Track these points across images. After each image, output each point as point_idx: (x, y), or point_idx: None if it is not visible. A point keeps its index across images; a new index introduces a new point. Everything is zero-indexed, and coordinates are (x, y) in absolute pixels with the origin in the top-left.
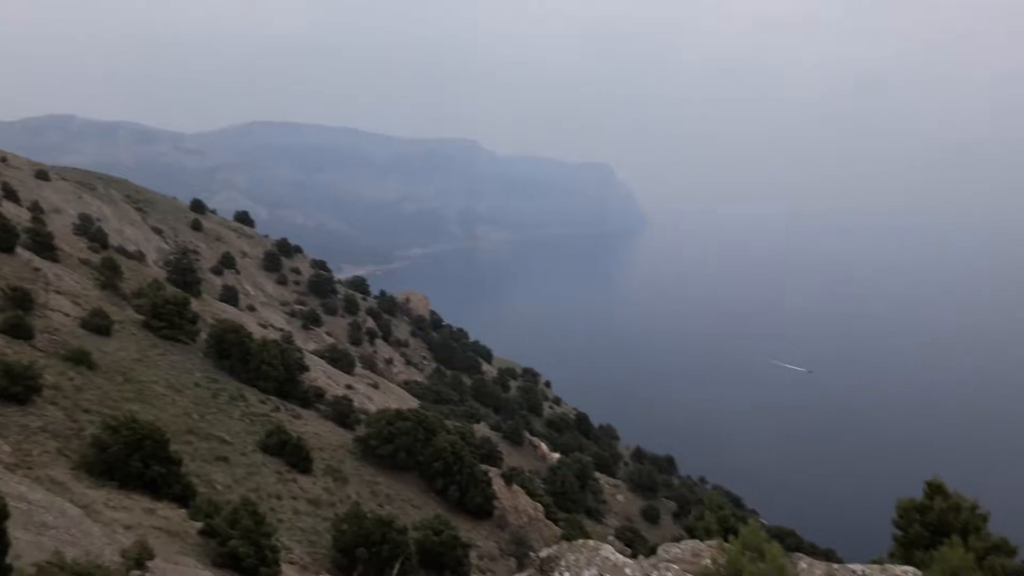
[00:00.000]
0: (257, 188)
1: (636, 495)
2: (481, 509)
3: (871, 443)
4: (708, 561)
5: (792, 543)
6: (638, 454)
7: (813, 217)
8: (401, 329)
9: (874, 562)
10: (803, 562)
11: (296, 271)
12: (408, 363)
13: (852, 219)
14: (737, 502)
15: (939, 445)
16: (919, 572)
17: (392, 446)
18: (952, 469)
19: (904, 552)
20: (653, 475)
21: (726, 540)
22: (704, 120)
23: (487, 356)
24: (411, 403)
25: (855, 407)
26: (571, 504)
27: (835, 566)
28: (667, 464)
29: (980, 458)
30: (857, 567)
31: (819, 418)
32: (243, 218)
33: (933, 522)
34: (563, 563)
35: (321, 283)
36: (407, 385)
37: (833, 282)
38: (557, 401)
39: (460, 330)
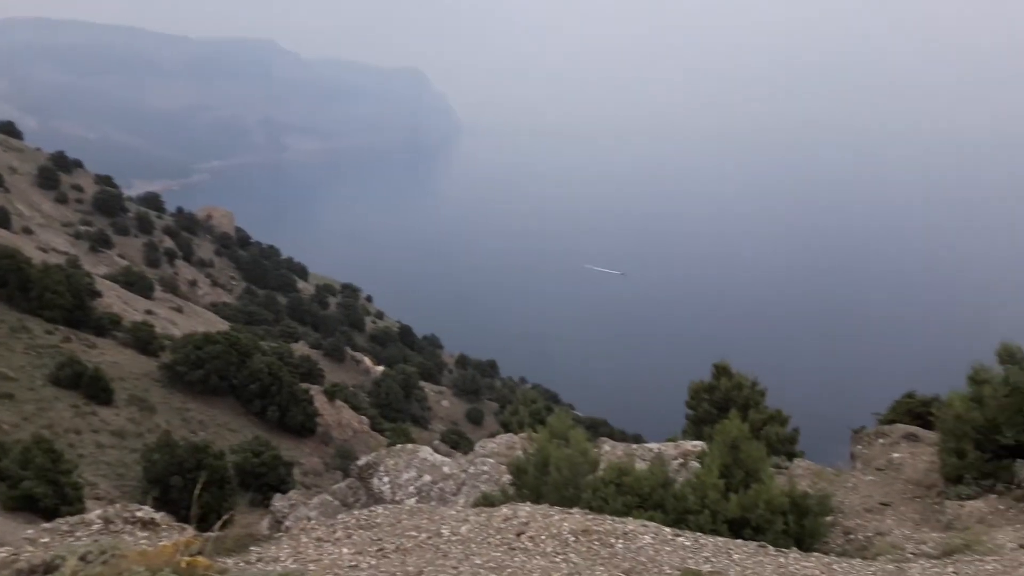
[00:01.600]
0: (20, 95)
1: (461, 400)
2: (303, 427)
3: (678, 337)
4: (520, 451)
5: (604, 431)
6: (462, 361)
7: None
8: (204, 249)
9: (669, 440)
10: (607, 445)
11: (78, 188)
12: (215, 284)
13: (665, 128)
14: (554, 398)
15: (734, 333)
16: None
17: (202, 371)
18: (740, 353)
19: (695, 429)
20: (476, 379)
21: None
22: (529, 30)
23: (302, 273)
24: (221, 326)
25: (664, 304)
26: (397, 414)
27: (635, 446)
28: (490, 368)
29: (764, 342)
30: (654, 445)
31: (631, 317)
32: (8, 129)
33: (719, 400)
34: (382, 468)
35: (108, 201)
36: (215, 307)
37: (647, 184)
38: (380, 315)
39: (271, 247)
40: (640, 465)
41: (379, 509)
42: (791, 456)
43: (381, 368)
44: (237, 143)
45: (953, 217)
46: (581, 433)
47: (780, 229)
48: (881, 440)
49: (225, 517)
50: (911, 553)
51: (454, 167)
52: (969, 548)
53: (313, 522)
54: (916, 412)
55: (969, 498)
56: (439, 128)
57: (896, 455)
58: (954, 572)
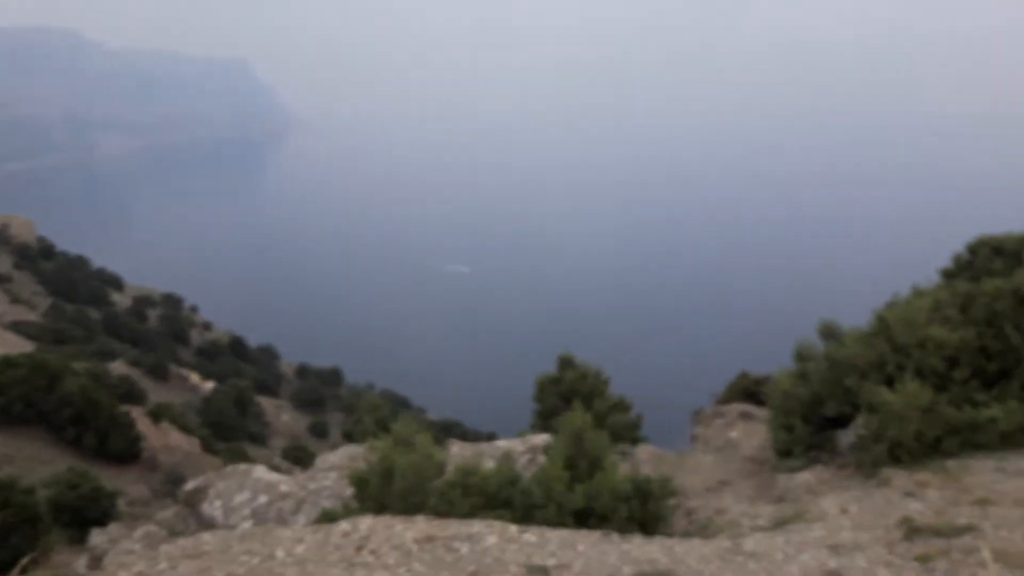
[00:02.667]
0: None
1: (303, 412)
2: (126, 453)
3: (528, 332)
4: (363, 462)
5: (457, 432)
6: (302, 370)
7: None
8: (1, 262)
9: (518, 435)
10: (455, 447)
11: None
12: (15, 301)
13: (510, 122)
14: (404, 403)
15: (582, 325)
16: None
17: (3, 399)
18: (587, 344)
19: (542, 422)
20: (319, 390)
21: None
22: (364, 18)
23: (117, 284)
24: (24, 347)
25: (512, 300)
26: (231, 433)
27: (484, 445)
28: (333, 376)
29: (611, 332)
30: (502, 442)
31: (482, 314)
32: None
33: (565, 391)
34: (212, 492)
35: None
36: (16, 327)
37: (492, 180)
38: (207, 326)
39: (80, 257)
40: (488, 464)
41: (207, 536)
42: (635, 442)
43: (211, 384)
44: (36, 144)
45: (784, 201)
46: (427, 437)
47: (618, 220)
48: (719, 420)
49: (24, 561)
50: (747, 527)
51: (287, 163)
52: (798, 517)
53: (134, 555)
54: (750, 391)
55: (798, 470)
56: (269, 122)
57: (733, 434)
58: (784, 541)
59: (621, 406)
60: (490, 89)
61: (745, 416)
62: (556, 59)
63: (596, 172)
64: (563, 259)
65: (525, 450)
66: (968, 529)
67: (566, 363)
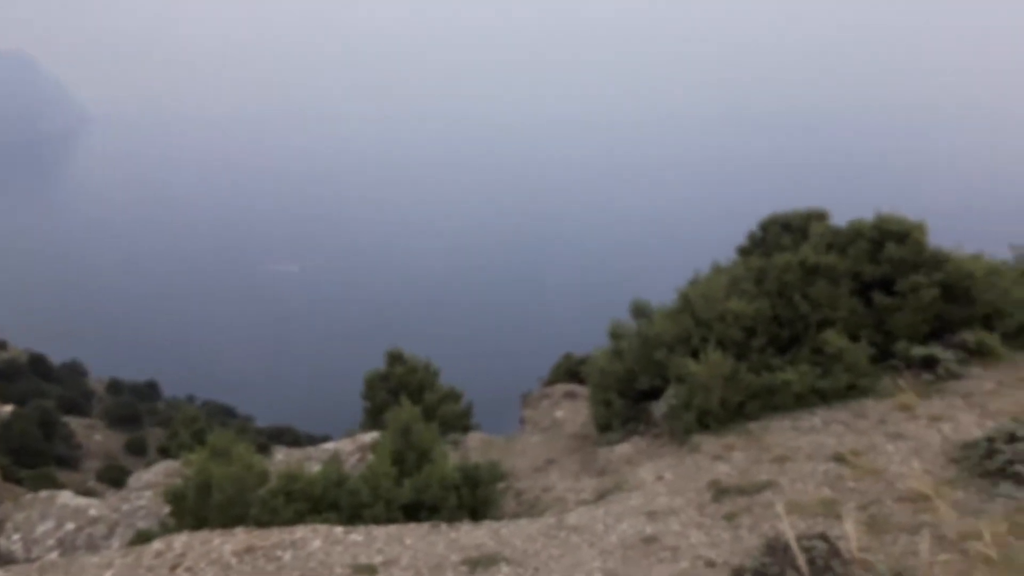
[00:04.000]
0: None
1: (117, 430)
2: None
3: (359, 329)
4: (179, 478)
5: (288, 438)
6: (114, 386)
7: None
8: None
9: (347, 435)
10: (279, 454)
11: None
12: None
13: (329, 113)
14: (230, 412)
15: (413, 319)
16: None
17: None
18: (417, 337)
19: (373, 419)
20: (133, 405)
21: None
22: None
23: None
24: None
25: (341, 298)
26: (37, 458)
27: (311, 448)
28: (149, 390)
29: (443, 323)
30: (331, 444)
31: (311, 314)
32: None
33: (395, 387)
34: (11, 524)
35: None
36: None
37: (307, 181)
38: (2, 345)
39: None
40: (315, 468)
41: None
42: (466, 430)
43: (9, 408)
44: None
45: (598, 191)
46: (246, 446)
47: (446, 214)
48: (545, 401)
49: None
50: (572, 502)
51: (89, 163)
52: (618, 488)
53: None
54: (574, 371)
55: (617, 443)
56: (59, 119)
57: (559, 413)
58: (604, 512)
59: (452, 396)
60: (320, 82)
61: (570, 395)
62: (385, 53)
63: (423, 168)
64: (393, 253)
65: (354, 449)
66: (768, 485)
67: (395, 358)
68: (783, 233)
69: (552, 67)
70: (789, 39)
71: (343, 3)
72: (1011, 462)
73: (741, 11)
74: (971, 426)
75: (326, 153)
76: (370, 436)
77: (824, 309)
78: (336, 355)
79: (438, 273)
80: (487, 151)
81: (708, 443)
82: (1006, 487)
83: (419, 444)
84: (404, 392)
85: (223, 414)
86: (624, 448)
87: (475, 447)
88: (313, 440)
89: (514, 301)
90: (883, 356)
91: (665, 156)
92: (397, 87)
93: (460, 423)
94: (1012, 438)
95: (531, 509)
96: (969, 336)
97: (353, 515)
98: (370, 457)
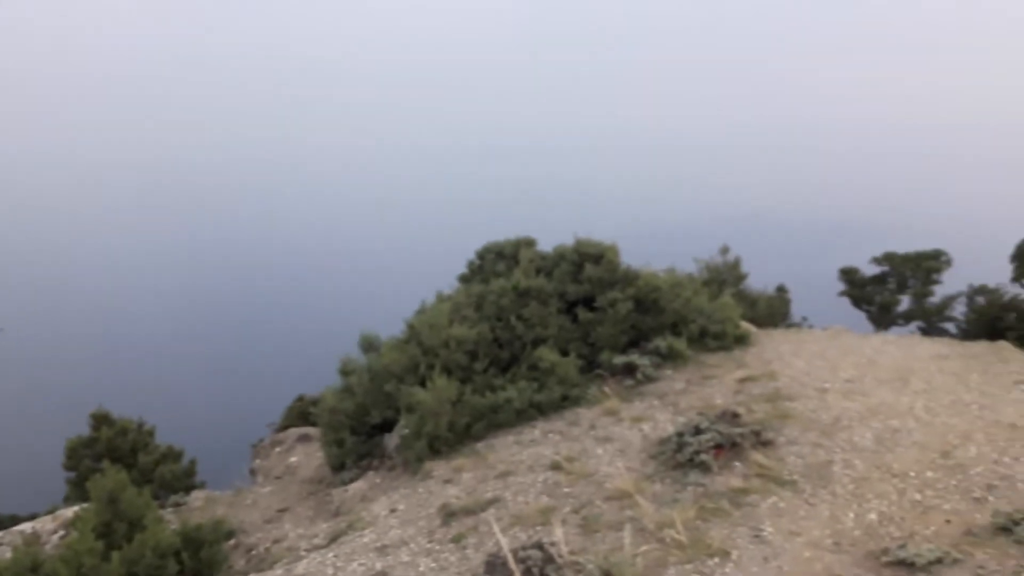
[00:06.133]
0: None
1: None
2: None
3: (69, 389)
4: None
5: None
6: None
7: None
8: None
9: (48, 512)
10: None
11: None
12: None
13: None
14: None
15: (125, 375)
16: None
17: None
18: (133, 394)
19: (78, 491)
20: None
21: None
22: None
23: None
24: None
25: (42, 358)
26: None
27: (2, 533)
28: None
29: (159, 377)
30: (27, 525)
31: (12, 377)
32: None
33: (102, 451)
34: None
35: None
36: None
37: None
38: None
39: None
40: (6, 555)
41: None
42: (189, 490)
43: None
44: None
45: (321, 219)
46: None
47: (148, 251)
48: (278, 448)
49: None
50: (304, 550)
51: None
52: (351, 527)
53: None
54: (307, 413)
55: (352, 481)
56: None
57: (293, 459)
58: (335, 555)
59: (171, 456)
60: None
61: (304, 439)
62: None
63: (129, 210)
64: (103, 302)
65: (56, 527)
66: (493, 502)
67: (101, 420)
68: (498, 260)
69: (255, 98)
70: (471, 74)
71: None
72: (697, 452)
73: (432, 41)
74: (666, 423)
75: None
76: (73, 510)
77: (537, 328)
78: (31, 421)
79: (149, 324)
80: (195, 183)
81: (439, 468)
82: (694, 475)
83: (129, 512)
84: (114, 457)
85: None
86: (359, 485)
87: (199, 507)
88: (2, 523)
89: (239, 348)
90: (590, 366)
91: (390, 188)
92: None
93: (182, 483)
94: (697, 430)
95: (261, 564)
96: (661, 343)
97: None
98: (73, 534)
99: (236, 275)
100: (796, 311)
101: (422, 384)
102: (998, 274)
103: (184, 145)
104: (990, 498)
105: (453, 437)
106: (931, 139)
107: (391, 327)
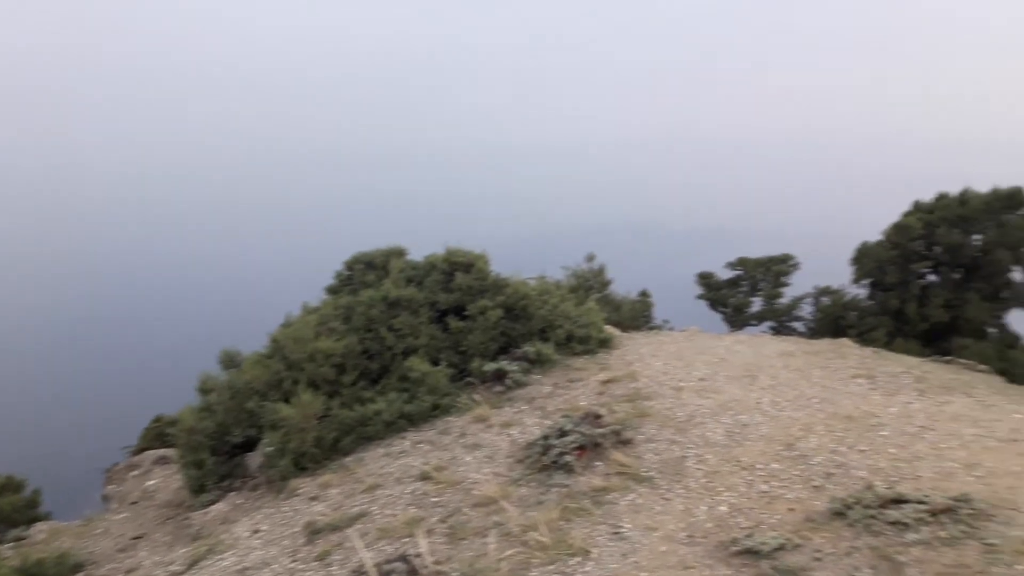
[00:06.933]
0: None
1: None
2: None
3: None
4: None
5: None
6: None
7: None
8: None
9: None
10: None
11: None
12: None
13: None
14: None
15: None
16: None
17: None
18: None
19: None
20: None
21: None
22: None
23: None
24: None
25: None
26: None
27: None
28: None
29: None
30: None
31: None
32: None
33: None
34: None
35: None
36: None
37: None
38: None
39: None
40: None
41: None
42: (32, 522)
43: None
44: None
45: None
46: None
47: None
48: (134, 472)
49: None
50: None
51: None
52: (211, 551)
53: None
54: (165, 434)
55: (212, 503)
56: None
57: (151, 483)
58: None
59: (11, 486)
60: None
61: (163, 461)
62: None
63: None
64: None
65: None
66: (360, 516)
67: None
68: (367, 270)
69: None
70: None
71: None
72: (562, 454)
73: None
74: (534, 427)
75: None
76: None
77: (408, 338)
78: None
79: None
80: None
81: (305, 485)
82: (559, 477)
83: None
84: None
85: None
86: (220, 507)
87: (42, 540)
88: None
89: (90, 367)
90: (461, 374)
91: (249, 199)
92: None
93: (24, 515)
94: (562, 433)
95: None
96: (530, 348)
97: None
98: None
99: (84, 290)
100: (658, 314)
101: (286, 400)
102: (840, 276)
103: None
104: (828, 485)
105: (320, 453)
106: (782, 151)
107: (255, 342)
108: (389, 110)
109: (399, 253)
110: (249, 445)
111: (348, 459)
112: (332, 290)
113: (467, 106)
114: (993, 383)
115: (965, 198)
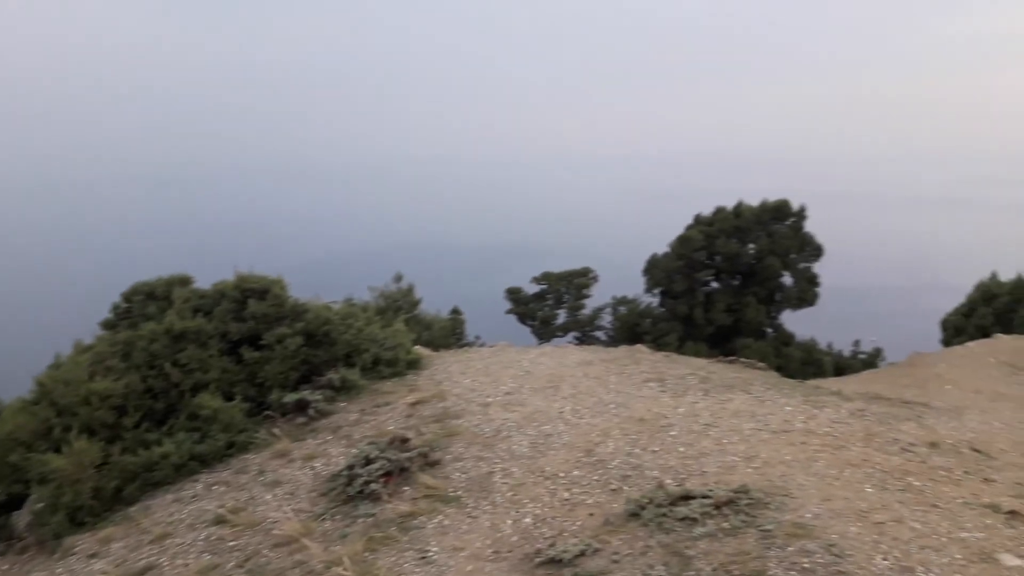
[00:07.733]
0: None
1: None
2: None
3: None
4: None
5: None
6: None
7: None
8: None
9: None
10: None
11: None
12: None
13: None
14: None
15: None
16: None
17: None
18: None
19: None
20: None
21: None
22: None
23: None
24: None
25: None
26: None
27: None
28: None
29: None
30: None
31: None
32: None
33: None
34: None
35: None
36: None
37: None
38: None
39: None
40: None
41: None
42: None
43: None
44: None
45: None
46: None
47: None
48: None
49: None
50: None
51: None
52: None
53: None
54: None
55: None
56: None
57: None
58: None
59: None
60: None
61: None
62: None
63: None
64: None
65: None
66: (147, 570)
67: None
68: (148, 302)
69: None
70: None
71: None
72: (368, 482)
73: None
74: (339, 458)
75: None
76: None
77: (197, 373)
78: None
79: None
80: None
81: (83, 542)
82: (364, 507)
83: None
84: None
85: None
86: None
87: None
88: None
89: None
90: (260, 408)
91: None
92: None
93: None
94: (367, 461)
95: None
96: (334, 375)
97: None
98: None
99: None
100: (471, 331)
101: (57, 450)
102: (635, 286)
103: None
104: (625, 488)
105: (99, 505)
106: (581, 171)
107: (17, 388)
108: (155, 123)
109: (183, 281)
110: (15, 503)
111: (133, 508)
112: (108, 324)
113: (266, 123)
114: (769, 379)
115: (739, 210)
